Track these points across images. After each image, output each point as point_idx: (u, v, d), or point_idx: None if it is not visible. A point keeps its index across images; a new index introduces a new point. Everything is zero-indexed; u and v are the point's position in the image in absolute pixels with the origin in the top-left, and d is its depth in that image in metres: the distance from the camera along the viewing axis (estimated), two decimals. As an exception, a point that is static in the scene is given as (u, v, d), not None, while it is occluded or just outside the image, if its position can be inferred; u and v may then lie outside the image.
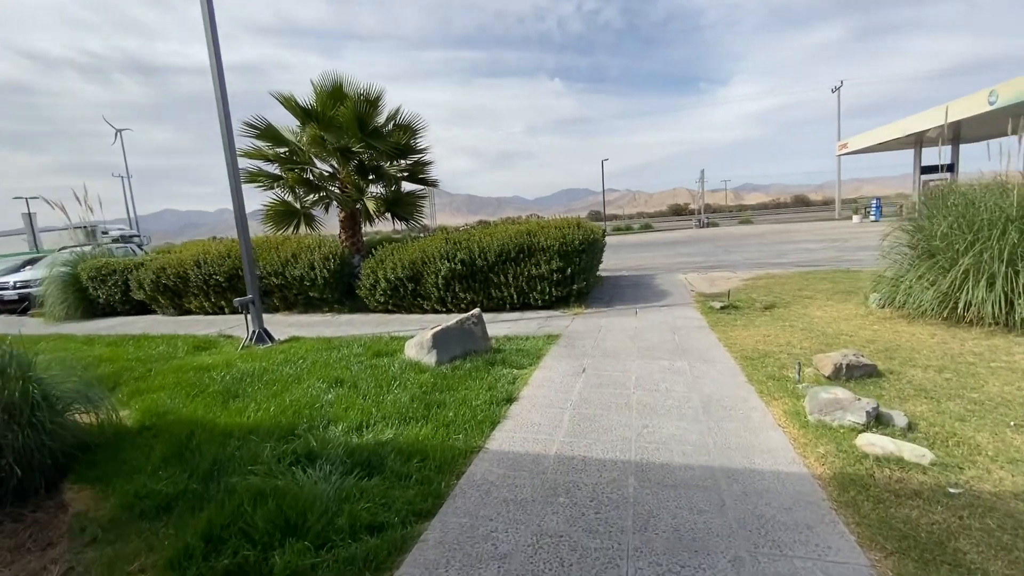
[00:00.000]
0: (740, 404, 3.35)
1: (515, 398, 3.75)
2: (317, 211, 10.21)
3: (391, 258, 8.17)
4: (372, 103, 9.63)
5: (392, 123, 10.09)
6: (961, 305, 4.73)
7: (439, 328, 5.00)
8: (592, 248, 7.94)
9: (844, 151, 35.22)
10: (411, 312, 8.24)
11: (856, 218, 33.81)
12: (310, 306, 9.04)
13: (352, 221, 10.19)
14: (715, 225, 45.43)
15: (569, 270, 7.36)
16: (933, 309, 4.93)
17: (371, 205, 9.26)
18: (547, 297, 7.49)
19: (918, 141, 29.49)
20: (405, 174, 10.39)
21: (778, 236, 23.64)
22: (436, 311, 8.05)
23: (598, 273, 11.10)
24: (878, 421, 2.78)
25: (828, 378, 3.63)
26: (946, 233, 4.94)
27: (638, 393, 3.68)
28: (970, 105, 21.50)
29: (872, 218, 32.39)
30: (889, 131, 28.60)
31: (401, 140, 9.80)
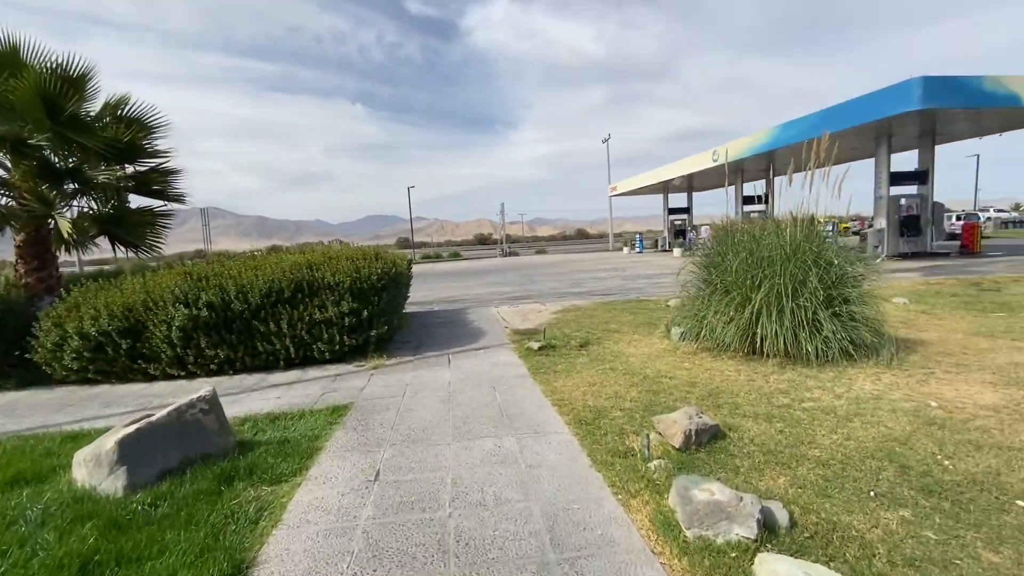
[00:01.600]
0: (594, 514, 2.43)
1: (252, 562, 2.18)
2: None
3: (92, 303, 5.53)
4: (74, 82, 6.80)
5: (112, 115, 7.29)
6: (759, 340, 4.84)
7: (139, 425, 3.06)
8: (395, 284, 6.63)
9: (614, 193, 41.21)
10: (129, 381, 5.67)
11: (626, 249, 39.62)
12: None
13: (37, 246, 6.92)
14: (516, 254, 48.43)
15: (366, 312, 5.90)
16: (735, 344, 4.99)
17: (64, 225, 6.29)
18: (337, 348, 5.88)
19: (665, 188, 36.14)
20: (131, 184, 7.56)
21: (571, 265, 25.78)
22: (171, 376, 5.67)
23: (405, 311, 9.81)
24: (766, 527, 2.11)
25: (679, 450, 3.01)
26: (739, 269, 5.09)
27: (457, 516, 2.48)
28: (700, 161, 26.97)
29: (637, 250, 38.36)
30: (646, 179, 34.36)
31: (123, 137, 7.07)
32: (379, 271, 6.10)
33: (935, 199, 19.38)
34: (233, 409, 4.37)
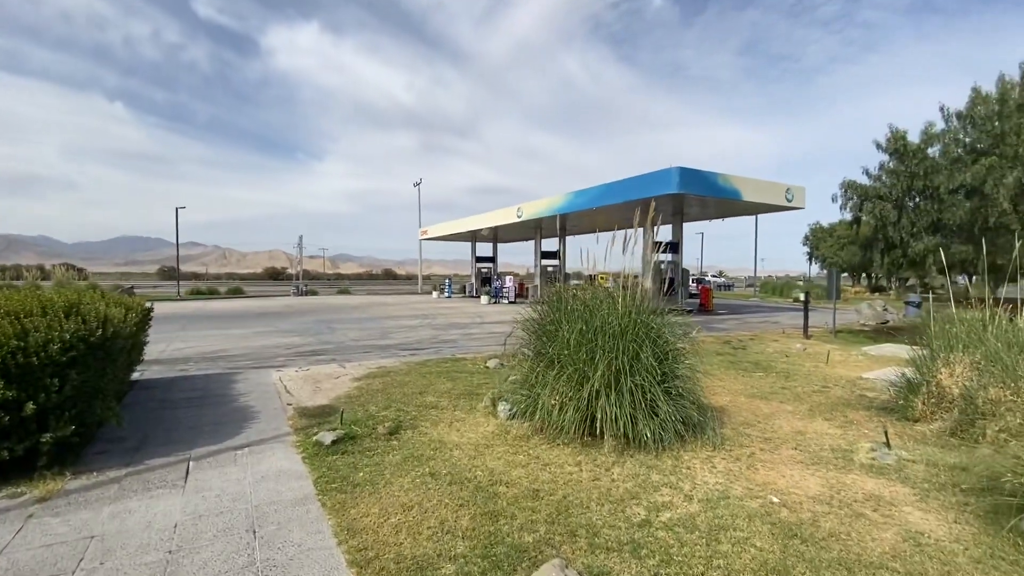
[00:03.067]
0: None
1: None
2: None
3: None
4: None
5: None
6: (599, 423, 4.28)
7: None
8: (103, 351, 4.31)
9: (424, 236, 40.97)
10: None
11: (435, 294, 39.27)
12: None
13: None
14: (314, 293, 43.75)
15: (31, 406, 3.55)
16: (574, 428, 4.34)
17: None
18: (-39, 469, 3.37)
19: (473, 236, 37.36)
20: None
21: (378, 309, 23.90)
22: None
23: (134, 377, 6.98)
24: None
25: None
26: (574, 342, 4.54)
27: None
28: (505, 215, 28.49)
29: (446, 295, 38.34)
30: (455, 226, 34.99)
31: None
32: (68, 336, 3.82)
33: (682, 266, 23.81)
34: None
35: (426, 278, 62.43)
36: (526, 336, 5.43)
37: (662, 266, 23.21)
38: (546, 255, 31.08)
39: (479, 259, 38.40)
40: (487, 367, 8.14)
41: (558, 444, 4.46)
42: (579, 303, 4.99)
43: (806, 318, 13.80)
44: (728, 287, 56.06)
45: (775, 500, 3.54)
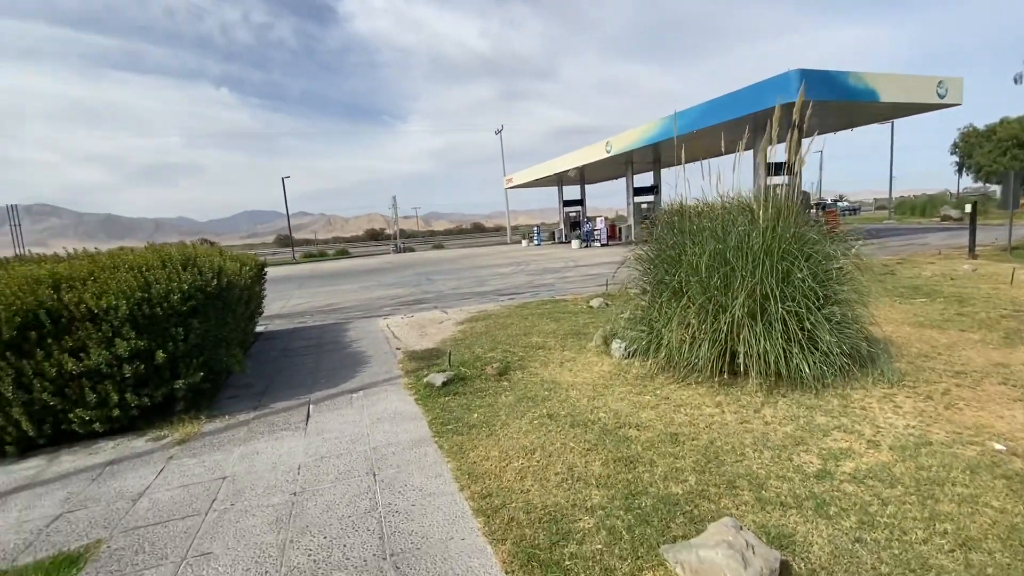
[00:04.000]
0: None
1: None
2: None
3: None
4: None
5: None
6: (740, 358, 3.61)
7: None
8: (221, 303, 4.44)
9: (510, 185, 40.36)
10: None
11: (524, 242, 39.04)
12: None
13: None
14: (411, 250, 45.73)
15: (161, 355, 3.70)
16: (709, 365, 3.71)
17: None
18: (117, 413, 3.62)
19: (560, 180, 36.06)
20: None
21: (471, 260, 24.19)
22: None
23: (265, 328, 7.45)
24: None
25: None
26: (708, 266, 3.82)
27: None
28: (593, 152, 26.84)
29: (535, 243, 37.94)
30: (541, 170, 33.85)
31: None
32: (186, 286, 3.90)
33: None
34: None
35: (514, 228, 62.50)
36: (640, 268, 4.78)
37: (777, 191, 20.63)
38: (639, 191, 29.18)
39: (566, 203, 37.22)
40: (590, 306, 7.62)
41: (689, 383, 3.87)
42: (706, 221, 4.20)
43: (972, 234, 11.40)
44: (853, 211, 49.34)
45: (999, 447, 2.70)
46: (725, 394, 3.65)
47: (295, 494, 2.72)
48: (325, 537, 2.30)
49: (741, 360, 3.61)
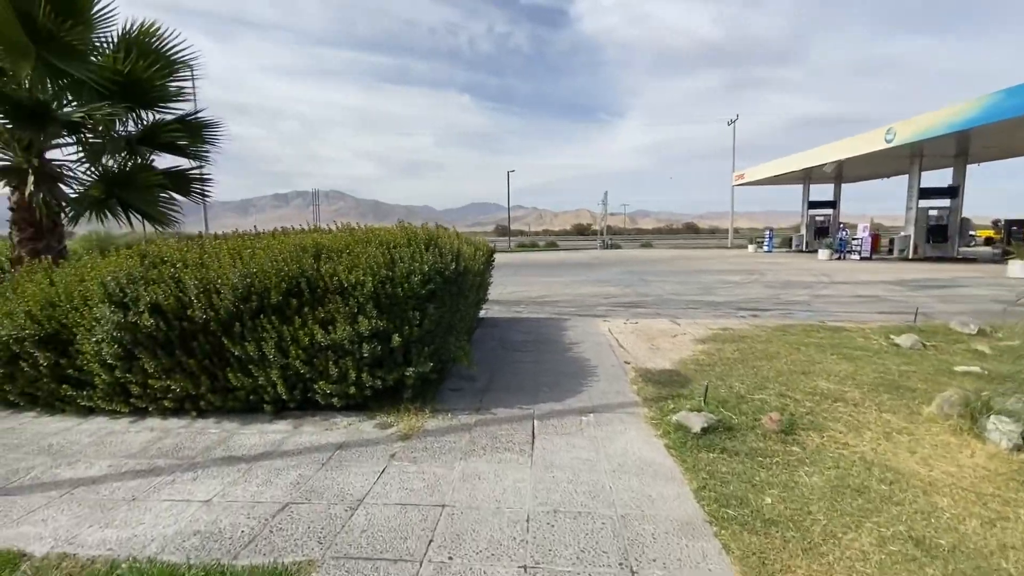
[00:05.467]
0: None
1: None
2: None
3: (17, 298, 3.71)
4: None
5: (130, 48, 5.57)
6: None
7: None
8: (456, 288, 4.11)
9: (740, 182, 35.69)
10: (55, 410, 3.78)
11: (751, 247, 34.19)
12: None
13: (28, 211, 5.43)
14: (618, 247, 44.67)
15: (397, 338, 3.44)
16: None
17: (31, 183, 4.62)
18: (353, 390, 3.51)
19: (807, 177, 30.28)
20: (138, 133, 5.87)
21: (687, 263, 21.92)
22: (113, 412, 3.69)
23: (481, 315, 7.36)
24: None
25: None
26: None
27: None
28: (865, 143, 21.43)
29: (765, 248, 32.85)
30: (783, 165, 28.80)
31: (126, 68, 5.33)
32: (429, 267, 3.59)
33: None
34: (95, 534, 2.15)
35: (726, 231, 55.95)
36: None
37: None
38: (928, 192, 22.51)
39: (812, 204, 31.23)
40: (895, 344, 5.44)
41: None
42: None
43: None
44: None
45: None
46: None
47: (524, 568, 1.97)
48: None
49: None
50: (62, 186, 5.55)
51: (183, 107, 6.21)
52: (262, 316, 3.47)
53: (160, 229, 6.25)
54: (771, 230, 33.95)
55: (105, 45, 5.43)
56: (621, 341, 5.91)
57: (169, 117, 6.09)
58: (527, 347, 5.70)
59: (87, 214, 5.96)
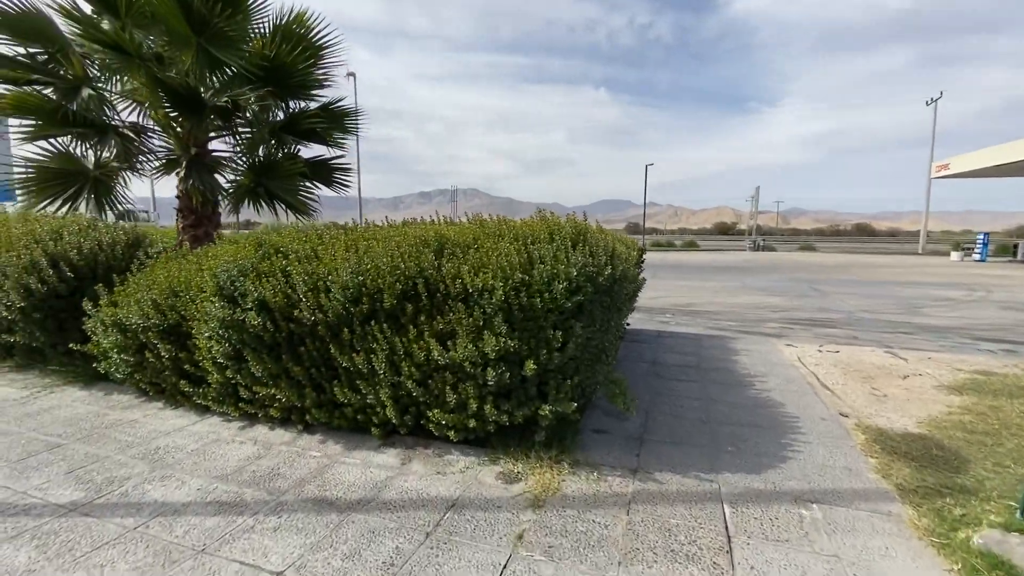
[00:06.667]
0: None
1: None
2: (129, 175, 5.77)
3: (142, 284, 3.61)
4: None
5: (284, 37, 5.56)
6: None
7: None
8: (609, 298, 3.10)
9: (943, 174, 28.94)
10: (177, 403, 3.62)
11: (955, 255, 27.54)
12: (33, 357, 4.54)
13: (188, 198, 5.69)
14: (771, 248, 39.56)
15: (532, 365, 2.55)
16: None
17: (183, 171, 4.70)
18: (472, 422, 2.73)
19: (1050, 165, 23.24)
20: (281, 120, 5.84)
21: (869, 272, 18.06)
22: (224, 414, 3.40)
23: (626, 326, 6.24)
24: None
25: None
26: None
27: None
28: None
29: (976, 256, 26.20)
30: (1016, 150, 22.40)
31: (272, 53, 5.28)
32: (575, 272, 2.64)
33: None
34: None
35: (913, 234, 46.29)
36: None
37: None
38: None
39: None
40: None
41: None
42: None
43: None
44: None
45: None
46: None
47: None
48: None
49: None
50: (218, 176, 5.73)
51: (326, 95, 6.12)
52: (373, 322, 2.84)
53: (301, 219, 6.24)
54: (985, 234, 26.94)
55: (256, 33, 5.42)
56: (822, 378, 4.37)
57: (313, 105, 6.04)
58: (688, 375, 4.47)
59: (245, 203, 6.16)
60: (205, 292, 3.12)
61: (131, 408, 3.61)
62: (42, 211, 5.15)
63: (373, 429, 3.02)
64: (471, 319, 2.64)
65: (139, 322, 3.33)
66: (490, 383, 2.63)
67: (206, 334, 3.08)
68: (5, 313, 3.91)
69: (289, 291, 2.96)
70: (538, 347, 2.59)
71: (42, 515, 2.28)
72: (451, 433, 2.81)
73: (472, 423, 2.76)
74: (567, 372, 2.73)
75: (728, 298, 10.77)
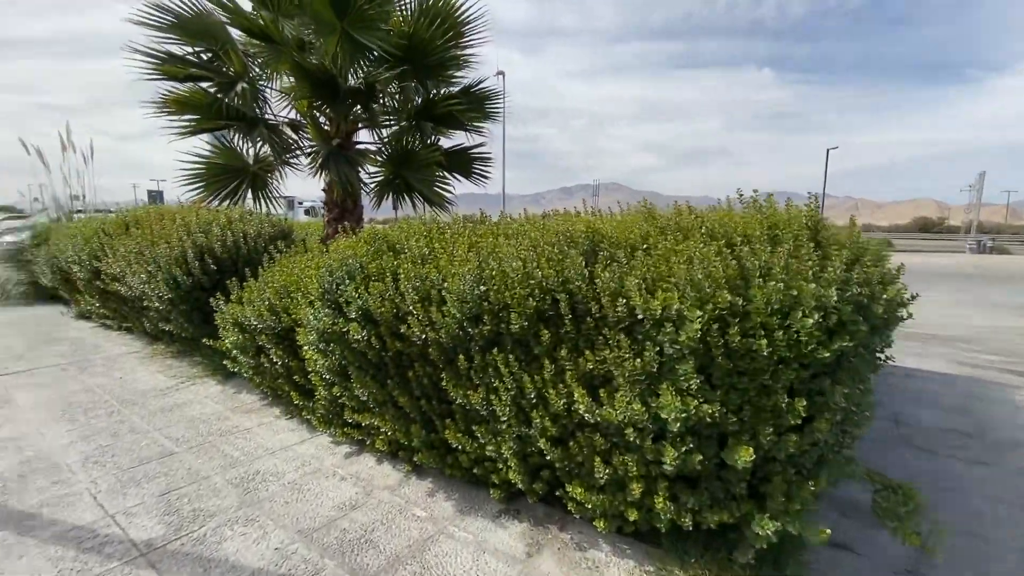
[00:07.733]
0: None
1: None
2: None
3: (264, 284, 3.34)
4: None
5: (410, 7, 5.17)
6: None
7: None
8: (880, 339, 1.88)
9: None
10: (292, 414, 3.29)
11: None
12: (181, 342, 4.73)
13: (332, 192, 5.64)
14: (1004, 251, 30.81)
15: (745, 447, 1.50)
16: None
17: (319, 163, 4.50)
18: (632, 512, 1.77)
19: None
20: (418, 106, 5.42)
21: None
22: (332, 434, 2.95)
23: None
24: None
25: None
26: None
27: None
28: None
29: None
30: None
31: (430, 39, 4.92)
32: (834, 297, 1.50)
33: None
34: None
35: None
36: None
37: None
38: None
39: None
40: None
41: None
42: None
43: None
44: None
45: None
46: None
47: None
48: None
49: None
50: (360, 169, 5.56)
51: (466, 78, 5.62)
52: (496, 350, 2.05)
53: (437, 212, 5.84)
54: None
55: (396, 9, 5.07)
56: None
57: (453, 89, 5.56)
58: (967, 450, 2.90)
59: (387, 196, 5.97)
60: (311, 295, 2.65)
61: (251, 412, 3.38)
62: (207, 204, 5.45)
63: (492, 489, 2.24)
64: (640, 361, 1.67)
65: (255, 323, 3.02)
66: (665, 463, 1.64)
67: (310, 343, 2.60)
68: (157, 304, 4.03)
69: (398, 300, 2.31)
70: (758, 420, 1.53)
71: (111, 558, 1.93)
72: (600, 523, 1.89)
73: (633, 515, 1.80)
74: (802, 463, 1.61)
75: (972, 318, 8.03)
